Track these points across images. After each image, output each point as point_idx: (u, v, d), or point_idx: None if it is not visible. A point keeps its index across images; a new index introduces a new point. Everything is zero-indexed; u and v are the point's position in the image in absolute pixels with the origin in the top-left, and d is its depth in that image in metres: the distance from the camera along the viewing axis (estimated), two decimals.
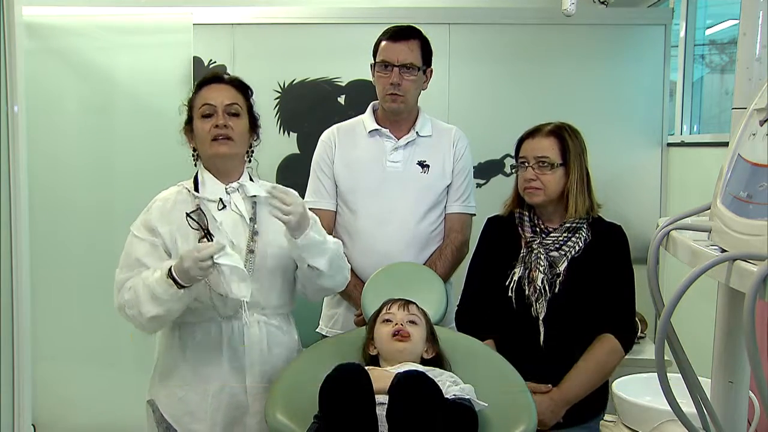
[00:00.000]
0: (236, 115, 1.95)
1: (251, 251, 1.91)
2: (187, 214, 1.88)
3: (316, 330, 2.50)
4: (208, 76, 2.02)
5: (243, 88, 2.01)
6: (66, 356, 3.21)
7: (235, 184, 1.97)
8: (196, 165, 2.01)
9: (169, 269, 1.78)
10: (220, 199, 1.93)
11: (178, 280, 1.76)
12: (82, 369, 3.22)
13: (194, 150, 2.00)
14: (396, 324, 1.93)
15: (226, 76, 2.02)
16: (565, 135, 2.09)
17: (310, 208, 2.36)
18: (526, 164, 2.09)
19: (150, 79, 3.22)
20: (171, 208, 1.93)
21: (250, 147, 2.03)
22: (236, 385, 1.92)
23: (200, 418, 1.92)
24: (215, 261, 1.73)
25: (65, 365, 3.22)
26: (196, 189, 1.96)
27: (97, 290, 3.05)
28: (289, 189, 1.89)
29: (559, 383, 2.03)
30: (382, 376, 1.74)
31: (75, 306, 3.21)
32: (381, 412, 1.67)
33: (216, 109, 1.92)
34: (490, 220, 2.25)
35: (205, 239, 1.85)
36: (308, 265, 1.88)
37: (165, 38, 3.23)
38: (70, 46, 3.22)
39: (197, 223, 1.87)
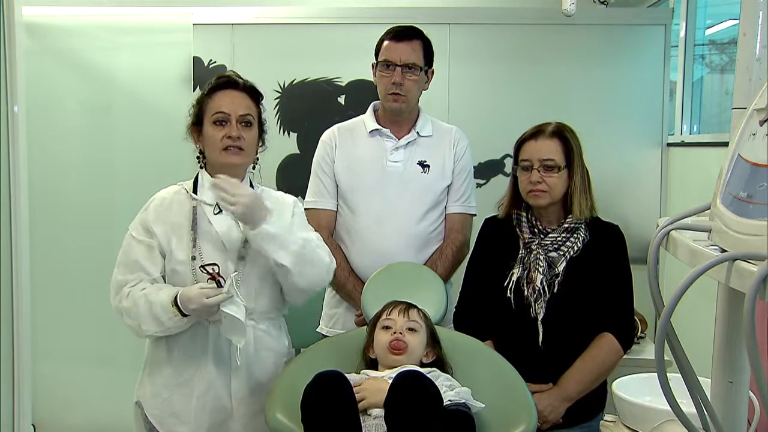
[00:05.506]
0: (249, 125, 1.93)
1: (242, 257, 1.91)
2: (202, 266, 1.84)
3: (316, 330, 2.50)
4: (222, 81, 1.97)
5: (255, 96, 1.98)
6: (66, 356, 3.21)
7: None
8: (202, 167, 2.00)
9: (175, 297, 1.80)
10: (217, 204, 1.92)
11: (183, 310, 1.80)
12: (81, 369, 3.22)
13: (200, 152, 1.99)
14: (395, 333, 1.91)
15: (240, 81, 1.97)
16: (567, 136, 2.09)
17: (311, 208, 2.39)
18: (530, 167, 2.08)
19: (150, 79, 3.23)
20: (167, 208, 1.94)
21: (256, 153, 2.01)
22: (221, 388, 1.91)
23: (184, 420, 1.91)
24: (221, 308, 1.78)
25: (65, 365, 3.21)
26: (195, 191, 1.96)
27: (97, 290, 3.05)
28: (234, 180, 1.85)
29: (558, 382, 2.03)
30: (377, 389, 1.73)
31: (75, 306, 3.21)
32: (379, 421, 1.67)
33: (230, 118, 1.91)
34: (487, 221, 2.24)
35: (215, 284, 1.82)
36: (275, 262, 1.86)
37: (165, 38, 3.23)
38: (70, 46, 3.22)
39: (206, 271, 1.83)
